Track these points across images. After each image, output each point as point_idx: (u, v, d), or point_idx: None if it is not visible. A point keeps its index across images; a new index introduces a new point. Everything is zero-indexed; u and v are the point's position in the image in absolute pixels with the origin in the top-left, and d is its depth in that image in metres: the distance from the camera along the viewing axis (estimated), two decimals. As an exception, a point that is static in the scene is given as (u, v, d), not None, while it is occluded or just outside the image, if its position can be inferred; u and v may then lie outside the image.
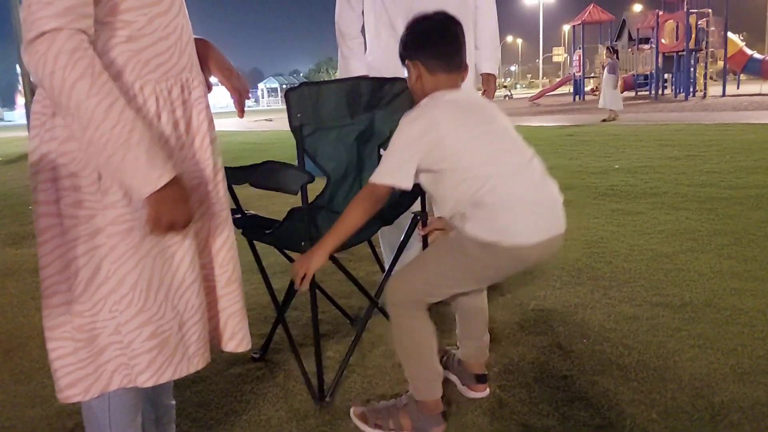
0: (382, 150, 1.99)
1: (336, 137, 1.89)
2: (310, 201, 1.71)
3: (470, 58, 2.36)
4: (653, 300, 2.38)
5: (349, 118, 1.85)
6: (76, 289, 1.10)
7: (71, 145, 1.07)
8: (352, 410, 1.64)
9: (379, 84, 1.89)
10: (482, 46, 2.53)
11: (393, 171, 1.44)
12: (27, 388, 1.95)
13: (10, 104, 36.93)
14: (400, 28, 2.28)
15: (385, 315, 1.81)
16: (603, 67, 13.01)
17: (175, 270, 1.16)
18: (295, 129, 1.68)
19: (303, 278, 1.46)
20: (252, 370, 1.99)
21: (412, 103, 1.57)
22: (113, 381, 1.14)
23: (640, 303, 2.36)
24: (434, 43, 1.53)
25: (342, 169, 1.97)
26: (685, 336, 2.05)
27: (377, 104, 1.91)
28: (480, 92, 2.53)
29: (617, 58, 13.39)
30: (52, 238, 1.10)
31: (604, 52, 14.53)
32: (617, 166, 5.81)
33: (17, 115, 31.69)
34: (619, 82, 12.50)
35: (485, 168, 1.41)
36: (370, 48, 2.48)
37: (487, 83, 2.56)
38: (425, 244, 1.85)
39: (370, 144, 2.00)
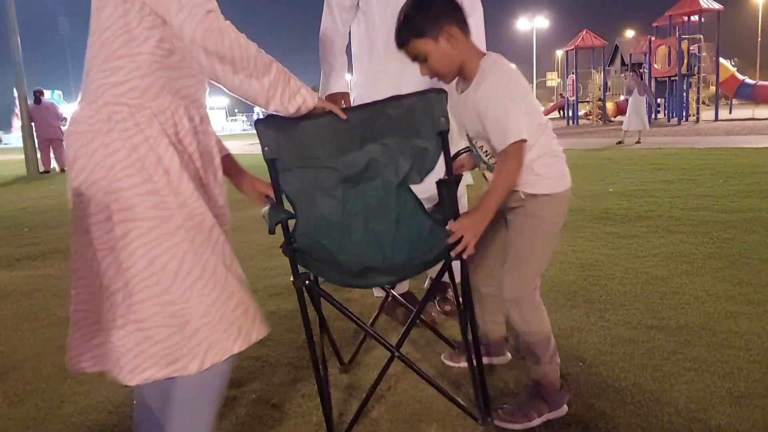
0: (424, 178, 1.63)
1: (316, 179, 1.54)
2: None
3: None
4: (649, 323, 2.38)
5: (334, 158, 1.51)
6: (164, 282, 1.22)
7: (138, 153, 1.20)
8: (495, 421, 1.70)
9: (374, 110, 1.52)
10: None
11: (523, 126, 1.56)
12: (21, 410, 1.94)
13: (7, 127, 37.13)
14: (381, 53, 2.28)
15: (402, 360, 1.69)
16: (628, 91, 13.27)
17: (230, 249, 1.33)
18: (267, 162, 1.49)
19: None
20: (247, 393, 1.97)
21: (416, 117, 1.47)
22: (206, 359, 1.25)
23: (635, 326, 2.36)
24: (458, 5, 1.60)
25: (337, 218, 1.58)
26: (681, 359, 2.05)
27: (372, 136, 1.52)
28: None
29: (641, 79, 13.72)
30: (133, 240, 1.21)
31: (630, 74, 14.89)
32: (611, 190, 5.85)
33: (13, 138, 31.78)
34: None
35: (546, 122, 1.68)
36: (354, 70, 2.45)
37: None
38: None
39: (376, 184, 1.57)
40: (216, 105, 55.40)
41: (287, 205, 1.52)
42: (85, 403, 1.97)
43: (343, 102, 2.32)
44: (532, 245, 1.69)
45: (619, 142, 12.33)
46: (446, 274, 1.68)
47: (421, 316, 2.04)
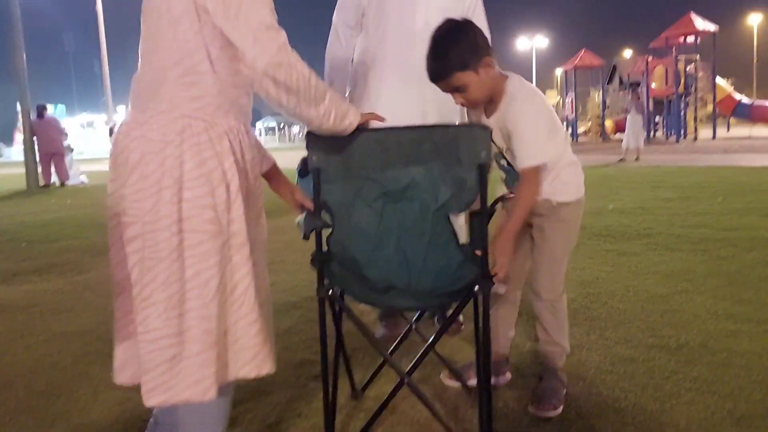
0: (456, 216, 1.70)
1: (359, 189, 1.60)
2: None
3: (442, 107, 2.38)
4: (649, 342, 2.37)
5: (378, 171, 1.57)
6: (206, 296, 1.25)
7: (206, 167, 1.26)
8: (533, 411, 1.83)
9: (423, 133, 1.58)
10: None
11: (545, 150, 1.73)
12: (12, 429, 1.91)
13: (9, 141, 37.34)
14: (378, 74, 2.29)
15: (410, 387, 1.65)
16: (626, 110, 13.38)
17: (263, 279, 1.40)
18: (313, 171, 1.56)
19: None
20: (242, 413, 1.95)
21: (459, 147, 1.50)
22: (229, 373, 1.32)
23: (636, 345, 2.34)
24: (485, 34, 1.77)
25: (372, 230, 1.62)
26: (682, 379, 2.03)
27: (417, 158, 1.57)
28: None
29: (639, 99, 13.87)
30: (184, 250, 1.25)
31: (630, 93, 15.05)
32: (611, 207, 5.85)
33: (14, 152, 31.97)
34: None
35: (566, 134, 1.88)
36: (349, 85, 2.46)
37: None
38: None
39: (414, 206, 1.60)
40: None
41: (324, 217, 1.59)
42: (78, 421, 1.94)
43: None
44: (563, 248, 1.92)
45: (621, 160, 12.40)
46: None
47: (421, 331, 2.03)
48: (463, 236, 1.79)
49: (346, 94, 2.42)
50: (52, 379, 2.27)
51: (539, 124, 1.72)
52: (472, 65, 1.63)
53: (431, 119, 2.28)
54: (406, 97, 2.27)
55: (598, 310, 2.78)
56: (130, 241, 1.26)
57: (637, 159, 12.33)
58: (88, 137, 41.13)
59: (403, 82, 2.27)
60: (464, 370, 2.09)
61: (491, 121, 1.76)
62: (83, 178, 13.40)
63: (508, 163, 1.86)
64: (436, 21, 2.22)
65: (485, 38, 1.69)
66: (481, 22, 2.44)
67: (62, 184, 12.71)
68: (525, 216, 1.74)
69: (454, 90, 1.68)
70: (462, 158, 1.51)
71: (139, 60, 1.33)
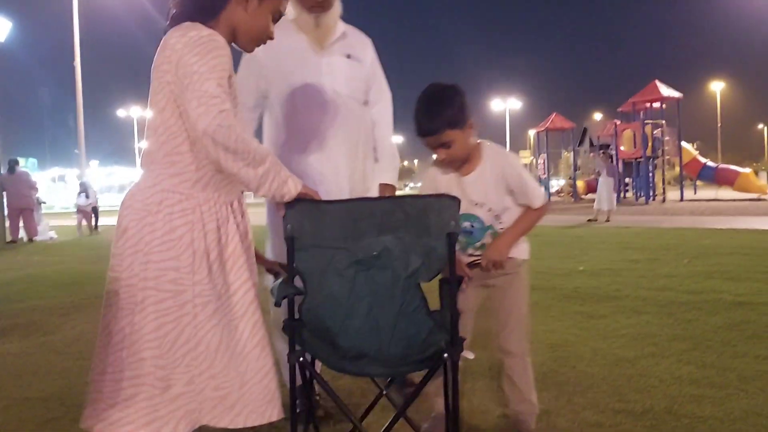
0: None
1: (331, 258, 1.61)
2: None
3: (372, 171, 2.46)
4: (616, 406, 2.40)
5: (350, 241, 1.60)
6: (163, 347, 1.44)
7: (175, 234, 1.45)
8: None
9: (393, 203, 1.62)
10: (382, 158, 2.52)
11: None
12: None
13: None
14: (285, 150, 2.27)
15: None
16: (597, 172, 13.74)
17: (238, 338, 1.50)
18: (287, 239, 1.58)
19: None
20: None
21: (429, 217, 1.54)
22: (180, 426, 1.44)
23: (603, 409, 2.37)
24: None
25: (344, 298, 1.62)
26: (647, 445, 2.05)
27: (389, 227, 1.60)
28: None
29: (612, 161, 14.30)
30: (148, 306, 1.44)
31: (600, 155, 15.50)
32: (581, 268, 5.97)
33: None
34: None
35: None
36: None
37: (386, 192, 2.48)
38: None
39: (385, 274, 1.61)
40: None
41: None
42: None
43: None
44: (527, 303, 2.09)
45: (591, 220, 12.68)
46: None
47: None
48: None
49: None
50: (10, 448, 2.20)
51: (527, 173, 2.02)
52: (460, 125, 1.83)
53: (352, 185, 2.33)
54: (328, 166, 2.30)
55: (567, 374, 2.81)
56: (109, 293, 1.48)
57: (607, 220, 12.64)
58: (59, 191, 40.73)
59: (322, 151, 2.31)
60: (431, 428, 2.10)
61: (468, 179, 1.97)
62: (52, 234, 13.21)
63: (471, 225, 2.00)
64: (343, 89, 2.32)
65: (468, 105, 1.89)
66: (381, 81, 2.52)
67: (30, 240, 12.49)
68: (521, 234, 1.99)
69: (440, 145, 1.86)
70: (431, 227, 1.56)
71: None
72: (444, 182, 2.01)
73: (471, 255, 2.04)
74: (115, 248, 1.50)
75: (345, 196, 2.25)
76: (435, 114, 1.81)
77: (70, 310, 4.79)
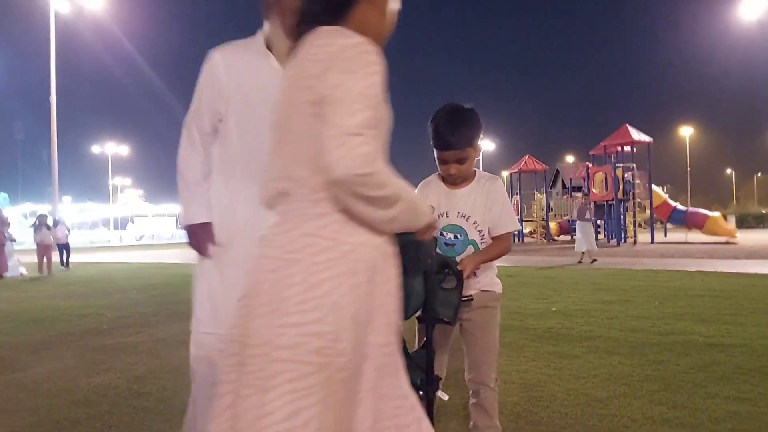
0: None
1: None
2: None
3: None
4: (589, 447, 2.43)
5: None
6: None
7: (321, 289, 1.14)
8: None
9: None
10: None
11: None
12: None
13: None
14: (239, 180, 2.10)
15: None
16: (577, 212, 13.87)
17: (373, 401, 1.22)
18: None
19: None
20: None
21: (407, 255, 1.52)
22: None
23: (576, 450, 2.40)
24: None
25: None
26: (619, 485, 2.08)
27: None
28: None
29: (589, 205, 14.52)
30: (283, 384, 1.11)
31: (581, 197, 15.72)
32: (554, 309, 6.05)
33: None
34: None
35: None
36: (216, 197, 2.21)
37: None
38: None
39: None
40: (167, 212, 55.06)
41: None
42: None
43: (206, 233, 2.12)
44: (497, 334, 2.18)
45: (579, 262, 12.77)
46: None
47: None
48: None
49: (207, 203, 2.20)
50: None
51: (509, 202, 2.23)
52: (475, 144, 2.06)
53: None
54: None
55: (541, 413, 2.85)
56: (230, 364, 1.19)
57: (593, 261, 12.75)
58: (30, 227, 39.88)
59: (258, 185, 2.19)
60: None
61: (460, 192, 2.14)
62: (22, 270, 12.93)
63: (455, 237, 2.13)
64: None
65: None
66: None
67: (0, 276, 12.20)
68: (493, 258, 2.13)
69: (457, 161, 2.04)
70: (408, 266, 1.60)
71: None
72: (433, 194, 2.16)
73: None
74: (242, 307, 1.20)
75: None
76: (460, 130, 2.01)
77: (39, 347, 4.68)
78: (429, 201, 2.10)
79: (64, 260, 15.36)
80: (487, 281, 2.15)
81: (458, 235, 2.11)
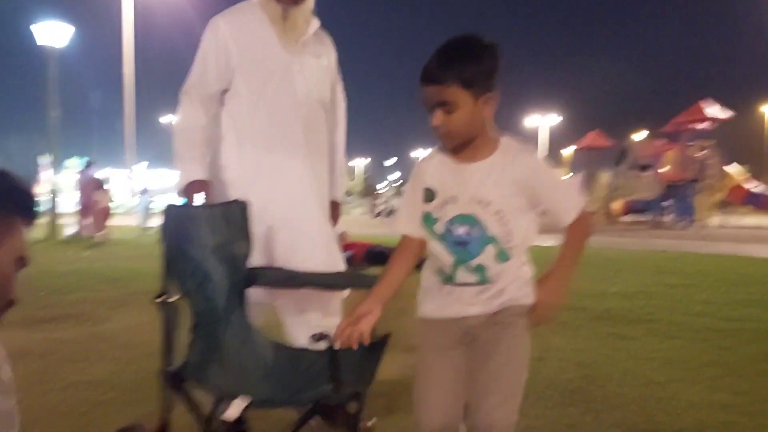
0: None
1: (198, 261, 1.73)
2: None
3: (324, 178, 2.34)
4: (643, 426, 2.43)
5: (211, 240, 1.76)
6: None
7: None
8: None
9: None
10: (333, 171, 2.41)
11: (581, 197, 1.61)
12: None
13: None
14: (250, 153, 2.14)
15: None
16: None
17: None
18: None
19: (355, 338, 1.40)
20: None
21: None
22: None
23: (630, 428, 2.41)
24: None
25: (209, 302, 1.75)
26: (672, 465, 2.09)
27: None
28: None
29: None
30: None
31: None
32: (614, 290, 5.94)
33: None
34: None
35: None
36: (223, 171, 2.23)
37: (333, 210, 2.41)
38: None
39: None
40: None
41: None
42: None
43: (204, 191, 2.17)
44: (525, 365, 1.47)
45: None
46: None
47: None
48: None
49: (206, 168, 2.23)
50: (68, 426, 2.37)
51: (562, 177, 1.62)
52: (476, 88, 1.38)
53: (312, 193, 2.22)
54: (289, 170, 2.18)
55: (595, 392, 2.85)
56: None
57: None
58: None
59: (286, 154, 2.17)
60: None
61: (475, 167, 1.46)
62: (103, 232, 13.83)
63: (468, 232, 1.46)
64: (313, 92, 2.20)
65: (501, 75, 1.43)
66: (340, 88, 2.42)
67: (92, 237, 13.16)
68: (580, 256, 1.52)
69: (440, 104, 1.39)
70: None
71: None
72: (435, 172, 1.50)
73: (463, 284, 1.47)
74: None
75: (309, 200, 2.20)
76: (450, 61, 1.37)
77: (117, 303, 5.03)
78: (429, 182, 1.49)
79: (146, 223, 16.24)
80: (513, 293, 1.47)
81: (473, 230, 1.44)
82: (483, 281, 1.46)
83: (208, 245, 1.75)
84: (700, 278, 6.89)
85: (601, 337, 3.96)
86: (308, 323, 2.19)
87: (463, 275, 1.46)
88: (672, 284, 6.41)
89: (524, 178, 1.45)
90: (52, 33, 12.74)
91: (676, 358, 3.46)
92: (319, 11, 2.26)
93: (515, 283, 1.48)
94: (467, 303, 1.47)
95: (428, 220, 1.49)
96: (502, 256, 1.45)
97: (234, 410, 1.73)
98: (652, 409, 2.64)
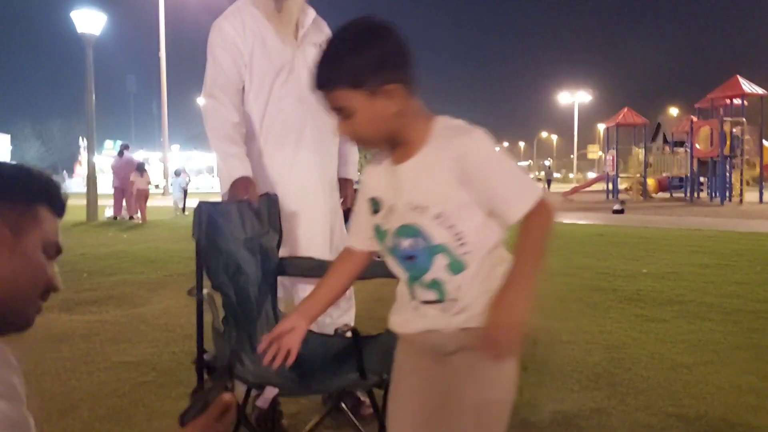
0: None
1: (230, 255, 1.83)
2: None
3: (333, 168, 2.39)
4: (669, 410, 2.46)
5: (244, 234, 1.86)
6: None
7: None
8: None
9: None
10: (341, 152, 2.45)
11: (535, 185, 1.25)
12: (80, 448, 2.14)
13: (70, 173, 39.99)
14: (262, 146, 2.19)
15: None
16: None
17: None
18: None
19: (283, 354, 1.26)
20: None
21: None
22: None
23: (655, 412, 2.44)
24: (410, 52, 1.19)
25: (245, 292, 1.86)
26: (697, 448, 2.12)
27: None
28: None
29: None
30: None
31: (682, 151, 14.18)
32: (645, 271, 5.89)
33: (74, 183, 34.02)
34: None
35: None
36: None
37: (345, 188, 2.48)
38: None
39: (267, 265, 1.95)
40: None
41: None
42: (138, 445, 2.16)
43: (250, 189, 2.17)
44: (503, 407, 1.21)
45: None
46: None
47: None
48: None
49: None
50: (112, 405, 2.51)
51: (510, 161, 1.20)
52: (367, 86, 1.13)
53: (321, 183, 2.28)
54: (299, 163, 2.24)
55: (622, 375, 2.88)
56: None
57: None
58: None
59: (295, 147, 2.24)
60: None
61: (403, 168, 1.21)
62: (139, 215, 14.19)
63: (413, 244, 1.20)
64: None
65: (403, 57, 1.17)
66: None
67: (131, 218, 13.51)
68: (541, 259, 1.15)
69: (336, 111, 1.18)
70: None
71: None
72: (376, 178, 1.28)
73: (425, 301, 1.22)
74: None
75: (318, 188, 2.27)
76: (329, 62, 1.16)
77: (156, 285, 5.22)
78: (372, 191, 1.28)
79: (183, 206, 16.54)
80: (477, 310, 1.17)
81: (417, 241, 1.19)
82: (442, 298, 1.20)
83: (239, 239, 1.82)
84: (735, 258, 6.78)
85: (630, 319, 3.97)
86: (328, 313, 2.27)
87: (420, 292, 1.22)
88: (705, 264, 6.32)
89: (456, 164, 1.15)
90: (90, 21, 13.10)
91: (705, 341, 3.45)
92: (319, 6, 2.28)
93: (483, 298, 1.17)
94: (432, 321, 1.22)
95: (378, 233, 1.27)
96: (456, 267, 1.18)
97: (267, 397, 1.84)
98: (678, 392, 2.66)
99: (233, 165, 2.16)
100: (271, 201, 1.99)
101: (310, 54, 2.20)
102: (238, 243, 1.82)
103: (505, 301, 1.10)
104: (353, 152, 2.52)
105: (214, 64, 2.24)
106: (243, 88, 2.24)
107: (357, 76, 1.13)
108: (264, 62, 2.20)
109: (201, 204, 1.73)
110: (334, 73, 1.15)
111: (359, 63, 1.13)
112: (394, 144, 1.22)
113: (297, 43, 2.23)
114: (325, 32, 2.37)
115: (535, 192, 1.16)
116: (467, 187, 1.16)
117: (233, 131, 2.20)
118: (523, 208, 1.14)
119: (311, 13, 2.29)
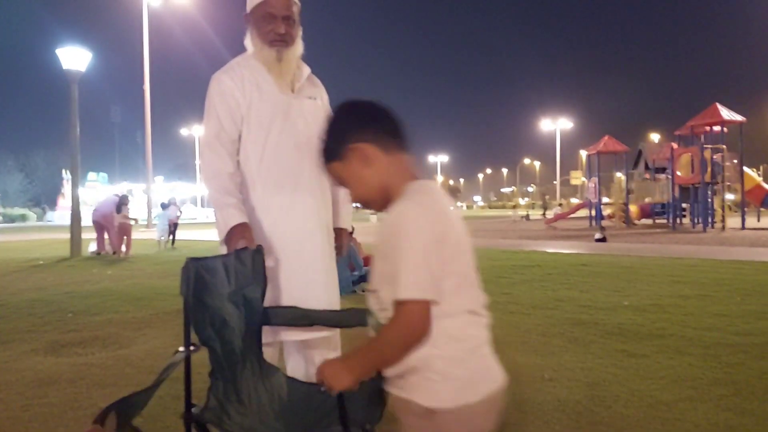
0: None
1: (216, 310, 1.86)
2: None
3: (329, 213, 2.46)
4: (647, 449, 2.51)
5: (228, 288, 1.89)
6: None
7: None
8: None
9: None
10: (336, 202, 2.53)
11: (422, 281, 1.16)
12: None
13: (52, 206, 39.65)
14: (260, 193, 2.27)
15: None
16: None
17: None
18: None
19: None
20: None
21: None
22: None
23: (634, 452, 2.49)
24: (382, 116, 1.33)
25: (230, 345, 1.88)
26: (673, 489, 2.17)
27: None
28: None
29: None
30: None
31: (663, 178, 14.50)
32: (626, 303, 5.99)
33: (57, 216, 33.70)
34: None
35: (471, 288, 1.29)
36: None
37: (340, 237, 2.57)
38: None
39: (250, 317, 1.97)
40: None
41: None
42: (125, 497, 2.17)
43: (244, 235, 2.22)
44: None
45: None
46: None
47: None
48: None
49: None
50: (100, 455, 2.51)
51: (426, 240, 1.16)
52: (337, 155, 1.32)
53: (318, 229, 2.35)
54: (296, 208, 2.30)
55: (602, 414, 2.94)
56: None
57: None
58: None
59: (293, 193, 2.30)
60: None
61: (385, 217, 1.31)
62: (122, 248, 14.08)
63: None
64: (315, 130, 2.20)
65: (369, 122, 1.31)
66: None
67: (114, 253, 13.40)
68: (375, 360, 1.21)
69: (337, 180, 1.39)
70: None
71: None
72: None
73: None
74: None
75: (315, 236, 2.33)
76: (321, 143, 1.38)
77: (141, 324, 5.21)
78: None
79: (173, 239, 16.43)
80: (412, 380, 1.20)
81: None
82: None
83: (224, 293, 1.88)
84: (715, 288, 6.90)
85: (611, 354, 4.04)
86: (311, 359, 2.35)
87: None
88: (686, 295, 6.43)
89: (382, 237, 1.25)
90: (75, 57, 13.20)
91: (684, 376, 3.52)
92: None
93: (412, 375, 1.20)
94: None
95: None
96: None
97: None
98: (656, 430, 2.72)
99: (230, 214, 2.24)
100: (256, 253, 2.05)
101: (305, 105, 2.35)
102: (223, 297, 1.87)
103: (338, 361, 1.26)
104: (347, 202, 2.59)
105: (211, 115, 2.32)
106: (240, 137, 2.33)
107: (329, 150, 1.35)
108: (262, 108, 2.29)
109: (189, 262, 1.77)
110: (320, 154, 1.38)
111: (329, 139, 1.36)
112: (385, 200, 1.32)
113: (294, 94, 2.35)
114: (318, 86, 2.51)
115: (407, 291, 1.15)
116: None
117: (229, 182, 2.29)
118: (396, 297, 1.16)
119: (306, 70, 2.43)
